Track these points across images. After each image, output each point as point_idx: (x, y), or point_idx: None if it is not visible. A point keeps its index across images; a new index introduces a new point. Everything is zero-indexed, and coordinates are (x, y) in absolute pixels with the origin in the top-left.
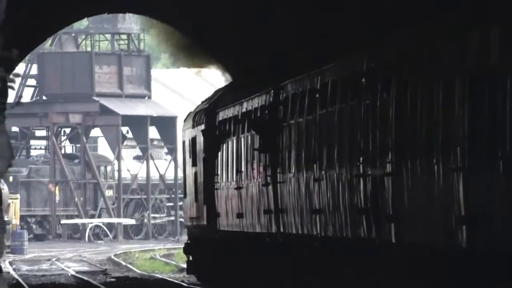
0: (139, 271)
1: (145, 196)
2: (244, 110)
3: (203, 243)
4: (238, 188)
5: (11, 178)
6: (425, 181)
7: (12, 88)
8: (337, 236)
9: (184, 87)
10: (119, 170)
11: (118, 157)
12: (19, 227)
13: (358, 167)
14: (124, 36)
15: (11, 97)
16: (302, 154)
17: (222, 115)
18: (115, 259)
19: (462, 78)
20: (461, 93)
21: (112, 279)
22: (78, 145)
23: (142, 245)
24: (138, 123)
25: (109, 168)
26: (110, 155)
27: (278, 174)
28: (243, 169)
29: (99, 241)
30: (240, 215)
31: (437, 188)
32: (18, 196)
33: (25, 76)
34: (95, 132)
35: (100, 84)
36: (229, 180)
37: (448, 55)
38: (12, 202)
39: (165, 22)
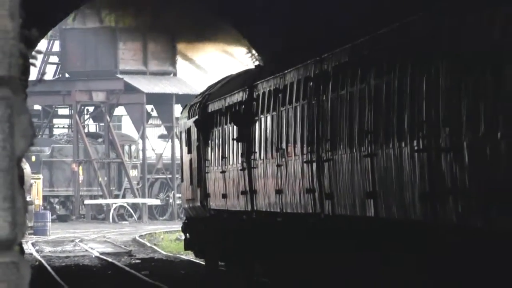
0: (164, 253)
1: (170, 176)
2: (227, 104)
3: (198, 221)
4: (223, 172)
5: (33, 158)
6: (348, 165)
7: (34, 65)
8: (293, 212)
9: (210, 63)
10: (143, 150)
11: (143, 136)
12: (42, 207)
13: (307, 155)
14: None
15: (33, 74)
16: (268, 144)
17: (211, 108)
18: (140, 240)
19: (368, 85)
20: (368, 97)
21: (137, 261)
22: (101, 124)
23: (167, 226)
24: (163, 101)
25: (133, 147)
26: (135, 134)
27: (252, 161)
28: (226, 155)
29: (123, 222)
30: (224, 196)
31: (356, 170)
32: (40, 176)
33: (47, 53)
34: (119, 110)
35: (124, 61)
36: (216, 165)
37: (359, 69)
38: (35, 182)
39: None
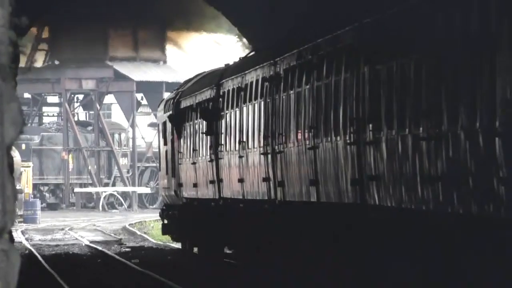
0: (154, 241)
1: None
2: (197, 101)
3: (174, 208)
4: (194, 163)
5: (23, 146)
6: (296, 157)
7: (24, 53)
8: (255, 199)
9: (200, 52)
10: (133, 138)
11: (133, 124)
12: (32, 195)
13: (263, 147)
14: None
15: (22, 62)
16: (232, 137)
17: (184, 104)
18: (130, 228)
19: (312, 85)
20: (310, 97)
21: (127, 249)
22: (91, 112)
23: (157, 214)
24: (153, 89)
25: (123, 135)
26: (124, 122)
27: (219, 152)
28: (197, 148)
29: (113, 210)
30: (195, 185)
31: (302, 161)
32: (30, 164)
33: (37, 40)
34: (109, 98)
35: (114, 48)
36: (188, 157)
37: (304, 72)
38: (24, 170)
39: None
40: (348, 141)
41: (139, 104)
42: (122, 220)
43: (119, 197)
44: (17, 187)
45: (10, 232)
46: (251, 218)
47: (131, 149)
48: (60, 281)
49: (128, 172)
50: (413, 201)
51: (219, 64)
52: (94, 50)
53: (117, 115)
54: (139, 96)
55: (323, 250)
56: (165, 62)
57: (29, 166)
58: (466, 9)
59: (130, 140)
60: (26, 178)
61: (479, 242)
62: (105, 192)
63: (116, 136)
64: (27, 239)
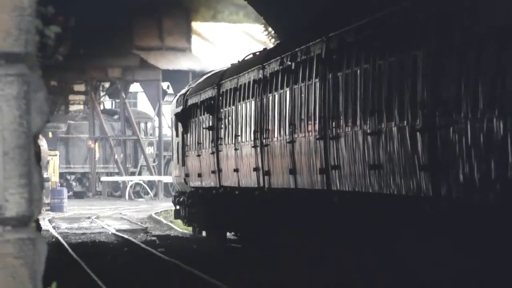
0: (180, 230)
1: None
2: (201, 99)
3: (183, 195)
4: (199, 155)
5: (50, 134)
6: (279, 150)
7: (50, 41)
8: (248, 186)
9: (226, 42)
10: (159, 127)
11: (159, 113)
12: (58, 184)
13: (254, 141)
14: None
15: (48, 50)
16: (230, 132)
17: (190, 101)
18: (156, 217)
19: (291, 88)
20: (289, 98)
21: (153, 238)
22: (117, 101)
23: None
24: (179, 78)
25: (149, 124)
26: (151, 111)
27: (219, 145)
28: (201, 141)
29: (139, 199)
30: (200, 175)
31: (283, 153)
32: (57, 152)
33: (63, 28)
34: (135, 87)
35: (139, 36)
36: (194, 149)
37: (285, 76)
38: (51, 158)
39: None
40: (317, 136)
41: (165, 93)
42: (148, 209)
43: (145, 186)
44: (44, 176)
45: (37, 221)
46: (245, 204)
47: (157, 138)
48: (86, 269)
49: (154, 161)
50: (363, 186)
51: (246, 54)
52: (119, 39)
53: (143, 104)
54: (165, 85)
55: (301, 231)
56: (190, 50)
57: (56, 155)
58: (402, 24)
59: (156, 129)
60: (53, 166)
61: (410, 218)
62: (131, 181)
63: (142, 125)
64: (54, 228)
